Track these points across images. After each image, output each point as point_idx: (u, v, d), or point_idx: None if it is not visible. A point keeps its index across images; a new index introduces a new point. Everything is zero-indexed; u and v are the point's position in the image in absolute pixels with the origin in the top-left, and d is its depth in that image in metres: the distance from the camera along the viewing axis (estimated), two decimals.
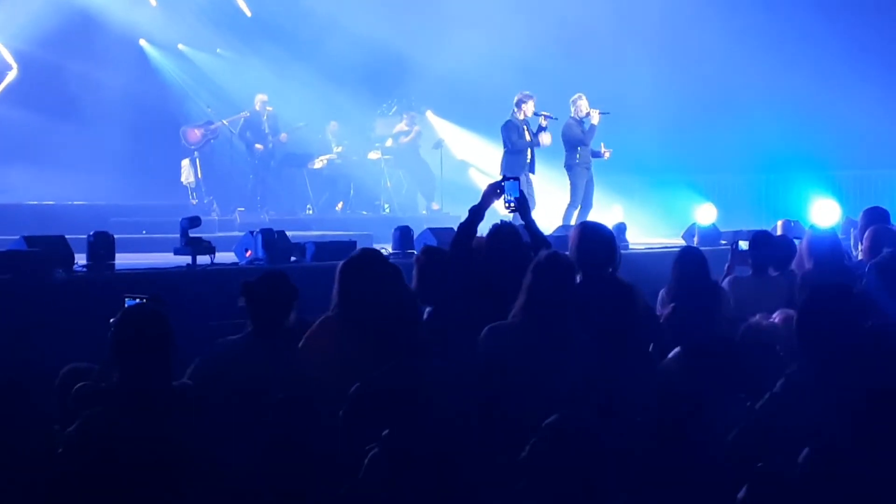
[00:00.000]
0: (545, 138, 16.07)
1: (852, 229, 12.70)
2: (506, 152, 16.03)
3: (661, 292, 8.05)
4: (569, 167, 16.22)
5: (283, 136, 21.23)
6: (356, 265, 6.49)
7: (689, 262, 7.91)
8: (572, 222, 15.12)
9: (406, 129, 22.62)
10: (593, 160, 16.33)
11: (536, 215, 9.24)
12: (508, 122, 16.05)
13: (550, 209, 16.39)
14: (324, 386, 5.78)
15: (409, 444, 4.90)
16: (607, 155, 16.33)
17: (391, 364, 5.66)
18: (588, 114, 16.18)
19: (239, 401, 5.60)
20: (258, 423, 5.27)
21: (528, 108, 16.02)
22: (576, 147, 16.09)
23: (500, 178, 8.22)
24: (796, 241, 9.51)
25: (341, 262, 6.56)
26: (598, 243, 7.19)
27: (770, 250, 9.02)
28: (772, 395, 5.36)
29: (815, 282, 7.89)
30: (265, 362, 6.00)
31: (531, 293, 6.22)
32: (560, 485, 4.64)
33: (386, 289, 6.33)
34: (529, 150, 15.95)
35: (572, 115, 16.22)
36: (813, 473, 4.51)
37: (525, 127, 16.01)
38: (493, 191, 7.88)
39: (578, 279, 6.79)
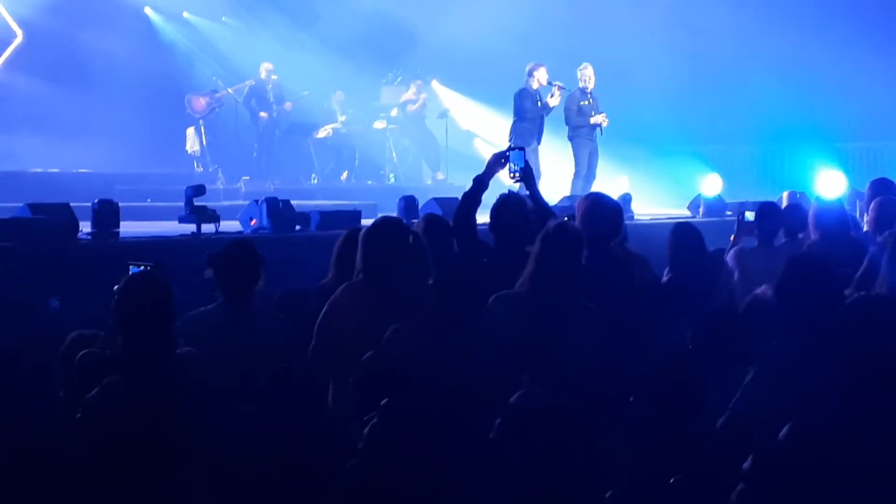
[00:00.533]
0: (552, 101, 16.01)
1: (858, 201, 12.67)
2: (516, 121, 15.95)
3: (666, 270, 8.00)
4: (571, 137, 16.16)
5: (287, 104, 21.18)
6: (378, 232, 6.49)
7: (684, 237, 7.86)
8: (578, 192, 15.11)
9: (413, 97, 22.53)
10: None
11: (541, 185, 9.21)
12: (523, 90, 15.96)
13: (554, 179, 16.34)
14: (350, 351, 5.79)
15: (410, 413, 4.89)
16: (605, 123, 16.09)
17: (394, 329, 5.68)
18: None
19: (216, 369, 5.61)
20: (243, 391, 5.30)
21: (541, 76, 15.94)
22: (578, 117, 16.02)
23: (506, 147, 8.19)
24: None
25: (363, 230, 6.56)
26: (604, 216, 7.18)
27: (777, 221, 9.00)
28: (756, 371, 5.35)
29: (820, 253, 7.88)
30: (239, 330, 6.07)
31: (539, 263, 6.22)
32: (531, 462, 4.66)
33: (408, 254, 6.35)
34: (540, 120, 15.91)
35: (579, 85, 16.15)
36: (796, 450, 4.51)
37: (538, 96, 15.96)
38: (498, 160, 7.85)
39: (585, 253, 6.79)
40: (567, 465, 4.72)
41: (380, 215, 6.91)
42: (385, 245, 6.39)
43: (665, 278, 7.77)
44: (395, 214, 12.11)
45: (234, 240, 6.56)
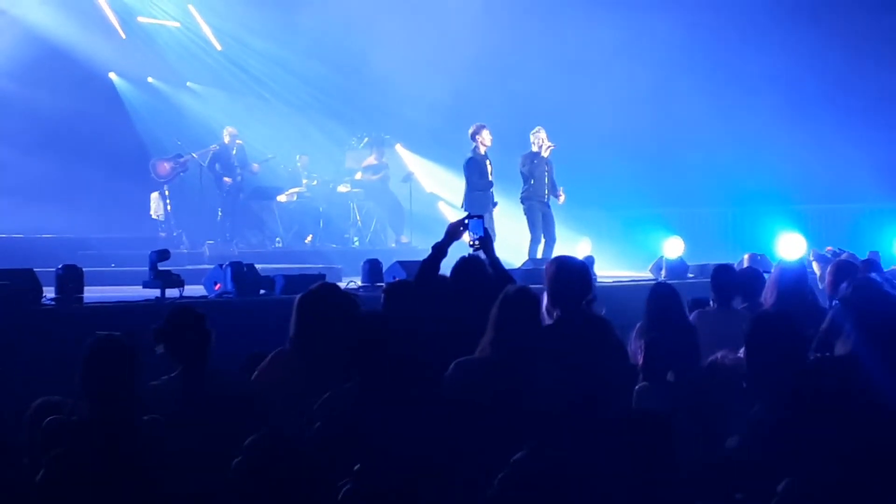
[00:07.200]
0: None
1: (815, 261, 12.81)
2: (469, 189, 15.92)
3: (638, 326, 8.03)
4: (522, 200, 16.12)
5: (255, 166, 21.26)
6: (314, 299, 6.51)
7: (663, 298, 7.96)
8: (538, 256, 15.13)
9: (375, 163, 22.66)
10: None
11: (498, 248, 9.15)
12: (470, 159, 15.92)
13: (513, 243, 16.34)
14: (279, 418, 5.81)
15: (379, 478, 4.93)
16: (562, 199, 16.11)
17: (342, 389, 5.69)
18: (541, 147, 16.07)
19: (179, 434, 5.60)
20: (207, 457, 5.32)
21: (485, 138, 15.90)
22: (528, 180, 16.02)
23: (463, 215, 8.26)
24: (766, 275, 9.53)
25: (299, 296, 6.58)
26: (573, 276, 7.22)
27: (732, 283, 9.07)
28: (742, 436, 5.42)
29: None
30: (197, 396, 6.03)
31: (499, 328, 6.26)
32: None
33: (343, 321, 6.35)
34: (491, 185, 15.91)
35: (532, 149, 16.09)
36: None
37: (487, 161, 15.97)
38: (456, 229, 7.93)
39: (556, 314, 6.83)
40: None
41: (318, 283, 6.88)
42: (320, 313, 6.39)
43: (636, 332, 7.83)
44: (353, 279, 12.25)
45: (174, 308, 6.44)
